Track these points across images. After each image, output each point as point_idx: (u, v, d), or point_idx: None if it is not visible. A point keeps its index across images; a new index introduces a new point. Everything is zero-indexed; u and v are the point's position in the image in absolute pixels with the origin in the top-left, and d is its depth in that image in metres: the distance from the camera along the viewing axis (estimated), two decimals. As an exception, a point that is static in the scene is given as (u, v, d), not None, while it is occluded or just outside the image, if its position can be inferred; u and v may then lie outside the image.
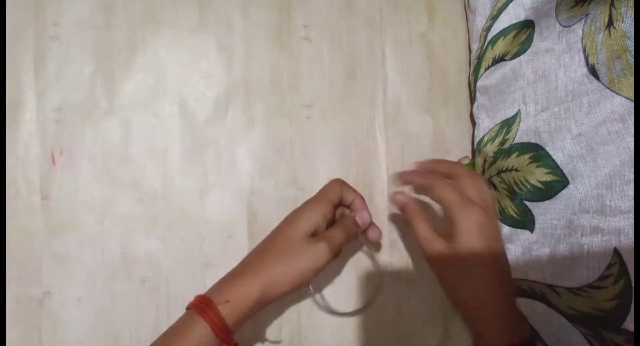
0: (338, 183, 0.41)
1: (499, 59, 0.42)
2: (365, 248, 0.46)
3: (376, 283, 0.45)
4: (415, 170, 0.40)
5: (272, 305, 0.44)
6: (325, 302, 0.45)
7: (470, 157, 0.48)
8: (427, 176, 0.38)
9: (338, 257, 0.42)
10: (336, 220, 0.41)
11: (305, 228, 0.36)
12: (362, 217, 0.39)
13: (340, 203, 0.41)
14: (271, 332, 0.45)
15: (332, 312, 0.44)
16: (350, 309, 0.45)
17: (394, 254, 0.47)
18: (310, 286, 0.40)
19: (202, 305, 0.34)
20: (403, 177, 0.40)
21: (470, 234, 0.33)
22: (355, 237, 0.39)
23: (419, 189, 0.39)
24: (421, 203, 0.39)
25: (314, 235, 0.37)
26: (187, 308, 0.35)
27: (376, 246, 0.46)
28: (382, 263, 0.46)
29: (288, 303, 0.45)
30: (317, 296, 0.44)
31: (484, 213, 0.34)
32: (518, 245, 0.39)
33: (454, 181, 0.37)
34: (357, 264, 0.46)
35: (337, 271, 0.46)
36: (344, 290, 0.46)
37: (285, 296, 0.36)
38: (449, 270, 0.35)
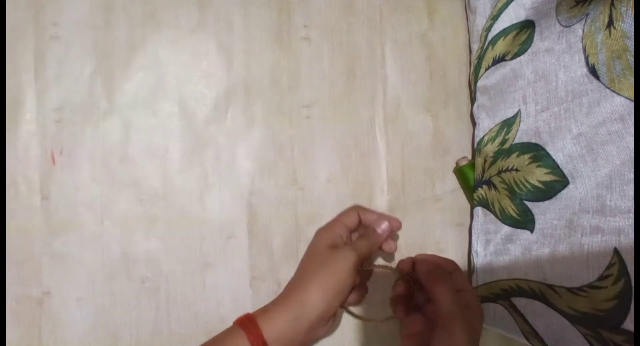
0: (354, 209, 0.42)
1: (499, 59, 0.42)
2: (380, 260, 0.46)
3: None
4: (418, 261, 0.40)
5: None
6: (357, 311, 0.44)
7: (469, 157, 0.48)
8: (431, 270, 0.38)
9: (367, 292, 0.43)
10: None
11: (325, 242, 0.38)
12: (380, 224, 0.41)
13: (358, 227, 0.42)
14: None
15: (369, 319, 0.44)
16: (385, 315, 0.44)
17: (392, 255, 0.46)
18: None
19: (243, 318, 0.36)
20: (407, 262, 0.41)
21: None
22: (379, 245, 0.41)
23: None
24: None
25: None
26: (234, 323, 0.37)
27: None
28: (382, 263, 0.46)
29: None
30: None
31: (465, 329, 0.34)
32: (518, 245, 0.39)
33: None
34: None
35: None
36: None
37: (328, 318, 0.36)
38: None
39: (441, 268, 0.38)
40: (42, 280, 0.43)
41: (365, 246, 0.39)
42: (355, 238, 0.41)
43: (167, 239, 0.44)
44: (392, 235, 0.44)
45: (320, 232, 0.41)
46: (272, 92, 0.46)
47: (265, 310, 0.37)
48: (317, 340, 0.42)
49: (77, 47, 0.44)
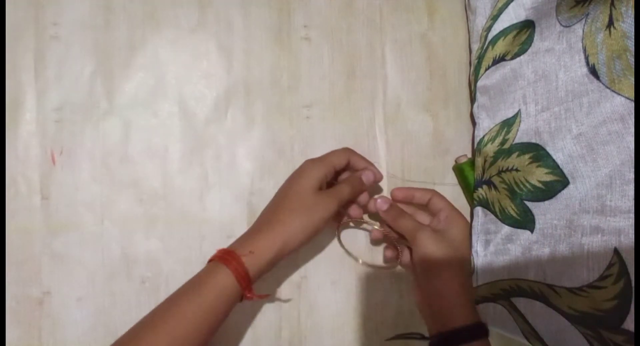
0: (345, 151, 0.43)
1: (499, 59, 0.42)
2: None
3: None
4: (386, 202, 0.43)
5: (272, 305, 0.45)
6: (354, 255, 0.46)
7: (468, 155, 0.48)
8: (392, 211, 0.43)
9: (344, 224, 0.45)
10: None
11: (311, 184, 0.39)
12: (367, 175, 0.42)
13: (346, 169, 0.43)
14: (271, 332, 0.45)
15: (359, 260, 0.46)
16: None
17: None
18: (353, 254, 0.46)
19: (226, 256, 0.36)
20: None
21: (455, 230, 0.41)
22: (361, 192, 0.43)
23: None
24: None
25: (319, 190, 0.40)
26: (209, 261, 0.37)
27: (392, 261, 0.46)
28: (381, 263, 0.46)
29: (288, 303, 0.45)
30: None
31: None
32: (518, 245, 0.39)
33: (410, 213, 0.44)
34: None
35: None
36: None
37: (303, 246, 0.39)
38: (432, 258, 0.39)
39: (396, 207, 0.43)
40: (42, 280, 0.43)
41: (347, 192, 0.40)
42: (340, 182, 0.42)
43: (167, 239, 0.44)
44: (374, 185, 0.45)
45: (308, 168, 0.41)
46: (272, 92, 0.46)
47: (243, 243, 0.37)
48: None
49: (77, 47, 0.44)
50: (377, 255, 0.47)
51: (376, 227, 0.45)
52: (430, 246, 0.39)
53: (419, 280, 0.40)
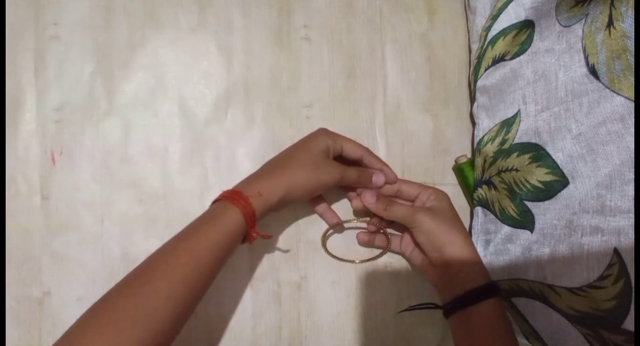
0: (362, 147, 0.44)
1: (499, 59, 0.42)
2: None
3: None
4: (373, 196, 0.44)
5: (271, 304, 0.45)
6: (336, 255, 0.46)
7: (468, 155, 0.48)
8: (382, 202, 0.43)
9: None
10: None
11: (323, 148, 0.41)
12: (378, 176, 0.43)
13: (353, 162, 0.44)
14: (271, 332, 0.45)
15: (342, 259, 0.46)
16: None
17: (394, 254, 0.47)
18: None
19: (234, 196, 0.36)
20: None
21: (446, 205, 0.43)
22: (364, 186, 0.44)
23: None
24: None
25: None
26: (215, 201, 0.38)
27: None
28: (382, 263, 0.46)
29: (288, 303, 0.45)
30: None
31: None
32: (518, 245, 0.39)
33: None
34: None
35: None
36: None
37: (300, 201, 0.40)
38: (436, 233, 0.40)
39: (384, 197, 0.43)
40: (42, 280, 0.43)
41: (353, 175, 0.42)
42: (352, 167, 0.43)
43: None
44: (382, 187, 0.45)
45: (321, 134, 0.42)
46: (272, 92, 0.46)
47: (250, 185, 0.38)
48: None
49: (77, 47, 0.44)
50: (366, 252, 0.47)
51: (360, 223, 0.45)
52: (431, 223, 0.40)
53: (430, 256, 0.41)
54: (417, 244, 0.42)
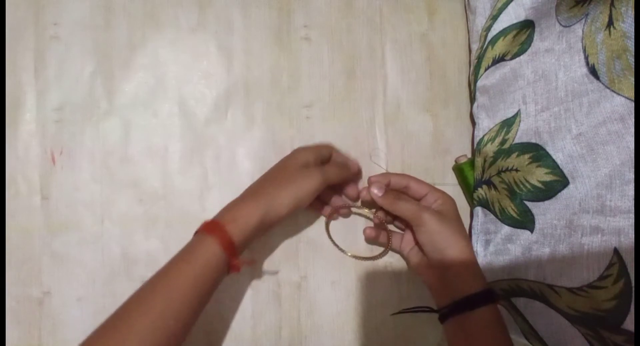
0: (329, 146, 0.44)
1: (499, 59, 0.42)
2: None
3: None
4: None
5: (271, 304, 0.45)
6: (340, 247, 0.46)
7: (468, 156, 0.48)
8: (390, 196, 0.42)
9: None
10: None
11: (300, 163, 0.40)
12: (353, 162, 0.44)
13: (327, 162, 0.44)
14: (271, 332, 0.45)
15: (345, 252, 0.46)
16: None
17: (394, 254, 0.47)
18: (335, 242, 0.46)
19: (210, 226, 0.36)
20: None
21: (452, 208, 0.43)
22: (345, 177, 0.43)
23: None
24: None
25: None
26: (195, 234, 0.37)
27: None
28: (382, 263, 0.46)
29: (288, 303, 0.45)
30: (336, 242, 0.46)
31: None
32: (518, 245, 0.39)
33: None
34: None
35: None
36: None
37: (284, 220, 0.39)
38: (439, 235, 0.40)
39: (392, 192, 0.42)
40: (42, 280, 0.43)
41: (333, 173, 0.41)
42: (329, 163, 0.43)
43: (167, 239, 0.44)
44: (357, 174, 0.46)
45: (296, 151, 0.42)
46: (272, 92, 0.46)
47: (232, 218, 0.37)
48: None
49: (77, 47, 0.44)
50: (367, 248, 0.47)
51: (366, 212, 0.45)
52: (436, 225, 0.40)
53: (430, 257, 0.41)
54: (417, 243, 0.42)
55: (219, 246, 0.35)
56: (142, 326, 0.32)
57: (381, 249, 0.46)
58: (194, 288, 0.34)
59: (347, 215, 0.47)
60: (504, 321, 0.39)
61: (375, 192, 0.42)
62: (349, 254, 0.46)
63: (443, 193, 0.43)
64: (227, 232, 0.35)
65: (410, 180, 0.44)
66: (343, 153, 0.45)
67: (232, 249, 0.35)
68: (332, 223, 0.46)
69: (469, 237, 0.43)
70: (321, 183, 0.40)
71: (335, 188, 0.45)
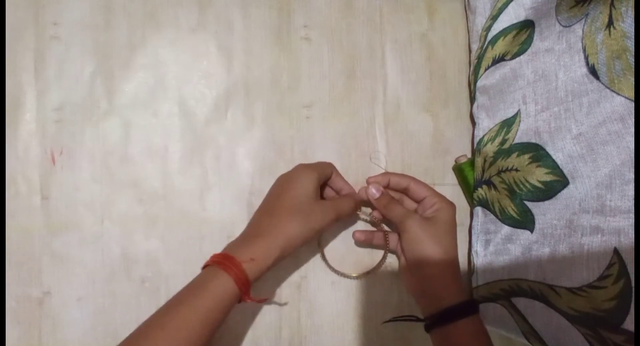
0: (330, 164, 0.44)
1: (499, 59, 0.42)
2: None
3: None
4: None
5: (272, 305, 0.45)
6: (334, 267, 0.46)
7: (468, 156, 0.48)
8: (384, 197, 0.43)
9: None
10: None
11: (310, 190, 0.39)
12: (371, 190, 0.43)
13: (326, 183, 0.44)
14: (271, 332, 0.45)
15: (339, 273, 0.46)
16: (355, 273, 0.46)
17: (394, 254, 0.46)
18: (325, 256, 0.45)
19: (226, 262, 0.35)
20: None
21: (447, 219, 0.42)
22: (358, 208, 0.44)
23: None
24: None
25: None
26: (205, 266, 0.37)
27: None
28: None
29: (288, 303, 0.45)
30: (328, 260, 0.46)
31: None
32: (518, 245, 0.39)
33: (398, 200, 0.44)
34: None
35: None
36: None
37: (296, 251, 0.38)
38: (419, 243, 0.40)
39: (387, 194, 0.43)
40: (42, 280, 0.43)
41: (350, 206, 0.41)
42: (342, 196, 0.43)
43: (167, 239, 0.44)
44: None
45: (303, 173, 0.40)
46: (272, 92, 0.46)
47: (250, 257, 0.36)
48: None
49: (77, 47, 0.44)
50: (368, 260, 0.47)
51: (363, 215, 0.45)
52: (418, 232, 0.40)
53: (409, 265, 0.41)
54: (402, 248, 0.42)
55: (234, 283, 0.34)
56: None
57: (379, 251, 0.46)
58: (204, 324, 0.33)
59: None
60: (487, 331, 0.39)
61: (373, 191, 0.42)
62: (354, 275, 0.46)
63: (442, 199, 0.42)
64: (244, 271, 0.35)
65: (411, 181, 0.43)
66: (343, 179, 0.44)
67: (247, 287, 0.35)
68: (326, 249, 0.46)
69: (456, 246, 0.42)
70: (335, 219, 0.39)
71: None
